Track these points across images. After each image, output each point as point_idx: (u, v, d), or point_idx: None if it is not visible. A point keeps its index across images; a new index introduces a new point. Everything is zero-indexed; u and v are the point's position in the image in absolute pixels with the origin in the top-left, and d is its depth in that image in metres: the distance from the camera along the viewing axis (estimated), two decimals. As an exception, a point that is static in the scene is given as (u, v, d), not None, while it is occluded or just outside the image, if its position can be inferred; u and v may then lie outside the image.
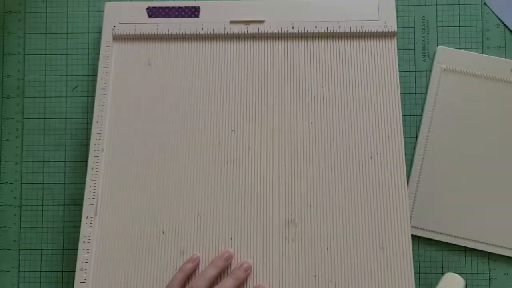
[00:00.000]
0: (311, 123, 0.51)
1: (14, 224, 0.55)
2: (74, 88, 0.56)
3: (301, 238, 0.48)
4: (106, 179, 0.51)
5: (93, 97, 0.55)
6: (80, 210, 0.54)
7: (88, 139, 0.55)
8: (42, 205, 0.55)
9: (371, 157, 0.50)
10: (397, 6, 0.55)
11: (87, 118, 0.55)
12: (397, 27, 0.55)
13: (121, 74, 0.53)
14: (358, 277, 0.47)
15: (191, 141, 0.51)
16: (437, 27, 0.55)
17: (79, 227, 0.54)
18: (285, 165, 0.50)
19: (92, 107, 0.55)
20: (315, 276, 0.47)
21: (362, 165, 0.50)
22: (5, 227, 0.55)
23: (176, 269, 0.48)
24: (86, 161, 0.54)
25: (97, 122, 0.52)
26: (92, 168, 0.50)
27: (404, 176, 0.49)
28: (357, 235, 0.48)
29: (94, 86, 0.55)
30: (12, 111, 0.56)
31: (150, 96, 0.53)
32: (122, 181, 0.51)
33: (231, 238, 0.49)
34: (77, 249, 0.54)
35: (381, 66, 0.52)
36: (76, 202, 0.55)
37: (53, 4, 0.56)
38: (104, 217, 0.50)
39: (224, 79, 0.53)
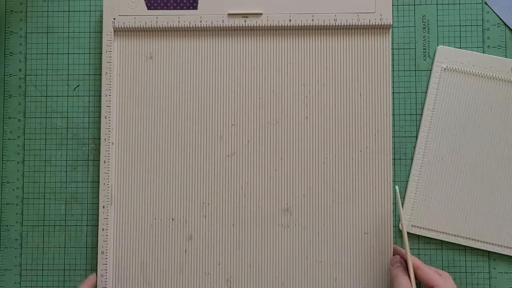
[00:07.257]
0: (306, 117, 0.53)
1: (16, 222, 0.55)
2: (75, 87, 0.56)
3: (295, 225, 0.53)
4: (118, 171, 0.54)
5: (94, 96, 0.55)
6: (82, 209, 0.55)
7: (89, 138, 0.55)
8: (44, 203, 0.55)
9: (360, 151, 0.53)
10: (397, 5, 0.55)
11: (89, 117, 0.56)
12: (398, 27, 0.55)
13: (124, 69, 0.54)
14: (344, 258, 0.52)
15: (195, 135, 0.54)
16: (437, 26, 0.55)
17: (81, 225, 0.55)
18: (281, 158, 0.53)
19: (93, 106, 0.55)
20: (306, 257, 0.53)
21: (352, 158, 0.53)
22: (7, 225, 0.55)
23: (185, 252, 0.53)
24: (87, 160, 0.55)
25: (105, 117, 0.53)
26: (105, 162, 0.53)
27: (390, 169, 0.53)
28: (345, 221, 0.53)
29: (95, 85, 0.56)
30: (14, 110, 0.56)
31: (153, 91, 0.54)
32: (133, 173, 0.54)
33: (233, 225, 0.53)
34: (79, 247, 0.55)
35: (374, 61, 0.54)
36: (77, 200, 0.55)
37: (54, 3, 0.57)
38: (119, 206, 0.54)
39: (223, 73, 0.54)
